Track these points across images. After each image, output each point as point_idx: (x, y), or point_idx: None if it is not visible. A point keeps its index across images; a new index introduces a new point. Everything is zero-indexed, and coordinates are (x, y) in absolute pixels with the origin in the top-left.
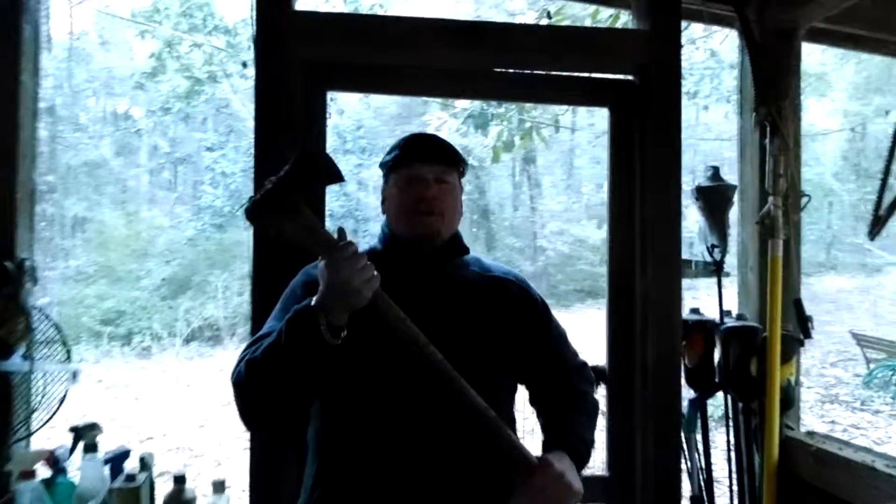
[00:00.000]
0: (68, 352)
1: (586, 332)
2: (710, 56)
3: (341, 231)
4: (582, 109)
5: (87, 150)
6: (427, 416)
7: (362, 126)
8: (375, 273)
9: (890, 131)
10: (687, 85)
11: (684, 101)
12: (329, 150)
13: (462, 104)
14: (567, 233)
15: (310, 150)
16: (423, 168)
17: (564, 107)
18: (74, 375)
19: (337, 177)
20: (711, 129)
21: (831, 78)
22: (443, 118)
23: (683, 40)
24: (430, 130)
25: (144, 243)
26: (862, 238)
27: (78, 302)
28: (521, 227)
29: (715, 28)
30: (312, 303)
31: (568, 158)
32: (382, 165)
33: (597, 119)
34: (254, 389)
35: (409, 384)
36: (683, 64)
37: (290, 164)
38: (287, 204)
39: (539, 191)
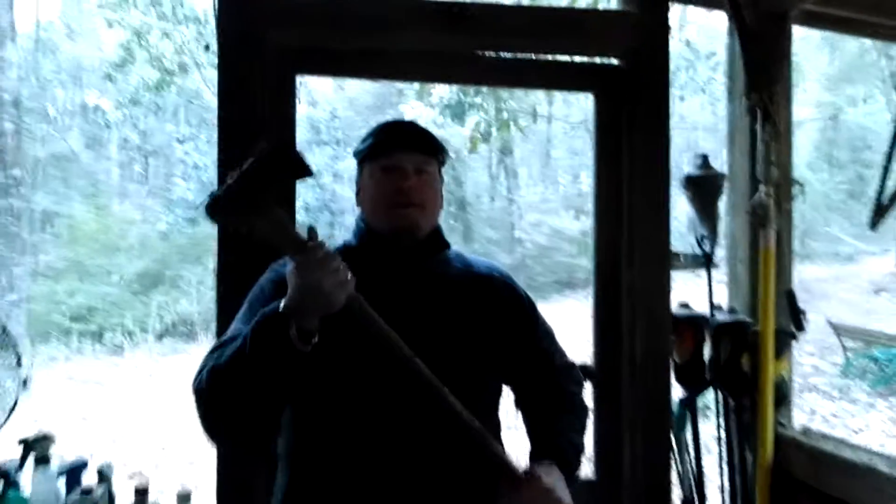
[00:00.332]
0: (18, 358)
1: (566, 324)
2: (686, 46)
3: (312, 230)
4: (559, 99)
5: (55, 143)
6: (407, 427)
7: (337, 117)
8: (350, 275)
9: (863, 121)
10: None
11: None
12: (302, 141)
13: (439, 93)
14: (545, 224)
15: (282, 145)
16: (400, 157)
17: (542, 96)
18: (25, 383)
19: (306, 171)
20: (686, 120)
21: (804, 68)
22: (418, 108)
23: None
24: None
25: (115, 238)
26: (835, 227)
27: (48, 298)
28: (498, 218)
29: (690, 19)
30: (280, 307)
31: (545, 149)
32: (356, 154)
33: (573, 110)
34: (217, 400)
35: (388, 392)
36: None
37: (257, 156)
38: (255, 201)
39: (516, 182)
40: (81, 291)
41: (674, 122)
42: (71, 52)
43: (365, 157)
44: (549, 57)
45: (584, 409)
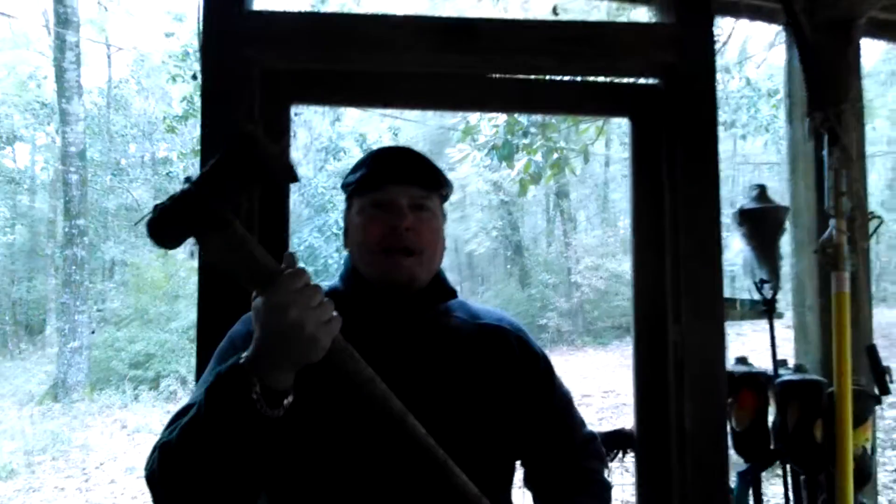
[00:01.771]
0: None
1: (625, 368)
2: (746, 84)
3: (290, 256)
4: (615, 140)
5: (124, 195)
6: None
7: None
8: (335, 313)
9: None
10: (723, 115)
11: (721, 132)
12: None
13: (486, 133)
14: (602, 267)
15: (247, 131)
16: (395, 191)
17: (593, 136)
18: None
19: (287, 173)
20: (750, 161)
21: (873, 104)
22: (465, 150)
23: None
24: (452, 164)
25: (177, 285)
26: None
27: (109, 345)
28: (555, 262)
29: (750, 53)
30: (241, 359)
31: (602, 192)
32: (344, 187)
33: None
34: (171, 483)
35: (382, 467)
36: (718, 93)
37: (218, 154)
38: (208, 212)
39: (573, 225)
40: (141, 338)
41: (737, 161)
42: (141, 108)
43: (353, 190)
44: (575, 78)
45: (607, 488)
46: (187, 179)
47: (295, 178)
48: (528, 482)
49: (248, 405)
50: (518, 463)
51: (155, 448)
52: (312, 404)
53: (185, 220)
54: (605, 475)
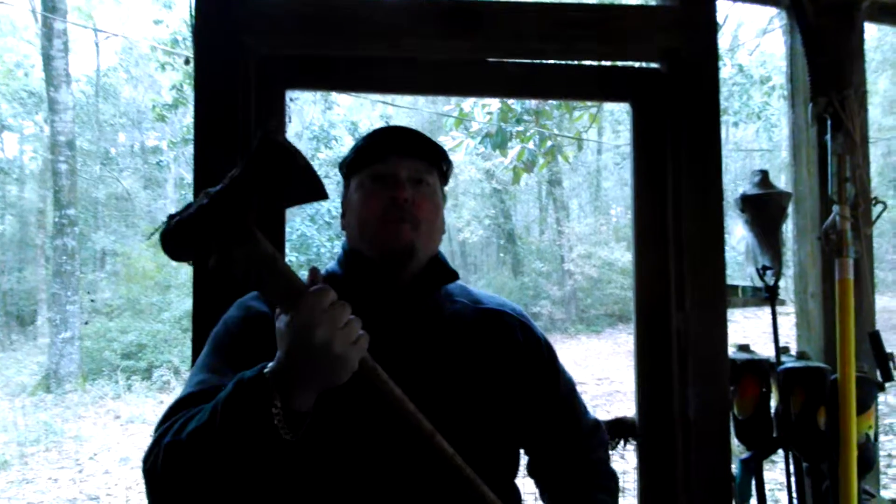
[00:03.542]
0: None
1: (619, 357)
2: (738, 72)
3: (315, 272)
4: (608, 128)
5: (114, 184)
6: None
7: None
8: (363, 331)
9: None
10: None
11: None
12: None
13: (480, 120)
14: (595, 255)
15: (275, 138)
16: (395, 163)
17: (587, 123)
18: None
19: (316, 190)
20: (742, 148)
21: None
22: (459, 138)
23: None
24: (446, 151)
25: (169, 276)
26: None
27: (101, 335)
28: (547, 251)
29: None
30: (266, 371)
31: (595, 180)
32: (342, 166)
33: (622, 139)
34: (176, 485)
35: (399, 476)
36: None
37: (243, 162)
38: (232, 225)
39: (566, 213)
40: (133, 329)
41: (728, 149)
42: (130, 96)
43: (350, 167)
44: (577, 63)
45: (615, 479)
46: (206, 193)
47: (324, 196)
48: (533, 471)
49: (268, 423)
50: (523, 451)
51: (158, 444)
52: (332, 419)
53: (207, 233)
54: (611, 465)
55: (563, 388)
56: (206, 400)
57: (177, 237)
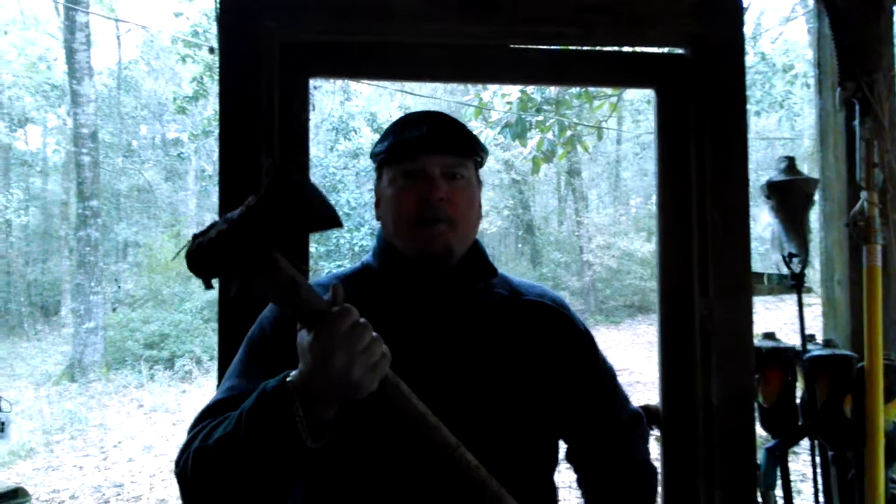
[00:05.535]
0: None
1: (637, 346)
2: (761, 60)
3: (338, 289)
4: (628, 118)
5: (136, 176)
6: None
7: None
8: (385, 351)
9: None
10: None
11: None
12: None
13: (499, 110)
14: (615, 246)
15: (289, 177)
16: (427, 160)
17: (607, 113)
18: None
19: (329, 220)
20: (764, 136)
21: None
22: (478, 128)
23: None
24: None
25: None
26: None
27: (124, 326)
28: (566, 241)
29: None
30: (289, 380)
31: (614, 170)
32: (374, 157)
33: (642, 129)
34: (203, 490)
35: (423, 485)
36: None
37: (259, 194)
38: (253, 255)
39: (585, 204)
40: (156, 319)
41: (750, 138)
42: (151, 88)
43: (382, 159)
44: (600, 48)
45: (655, 477)
46: (226, 219)
47: (339, 225)
48: (571, 458)
49: (291, 432)
50: (562, 440)
51: (188, 449)
52: (356, 427)
53: (228, 262)
54: (652, 462)
55: (602, 378)
56: (235, 406)
57: (200, 260)
